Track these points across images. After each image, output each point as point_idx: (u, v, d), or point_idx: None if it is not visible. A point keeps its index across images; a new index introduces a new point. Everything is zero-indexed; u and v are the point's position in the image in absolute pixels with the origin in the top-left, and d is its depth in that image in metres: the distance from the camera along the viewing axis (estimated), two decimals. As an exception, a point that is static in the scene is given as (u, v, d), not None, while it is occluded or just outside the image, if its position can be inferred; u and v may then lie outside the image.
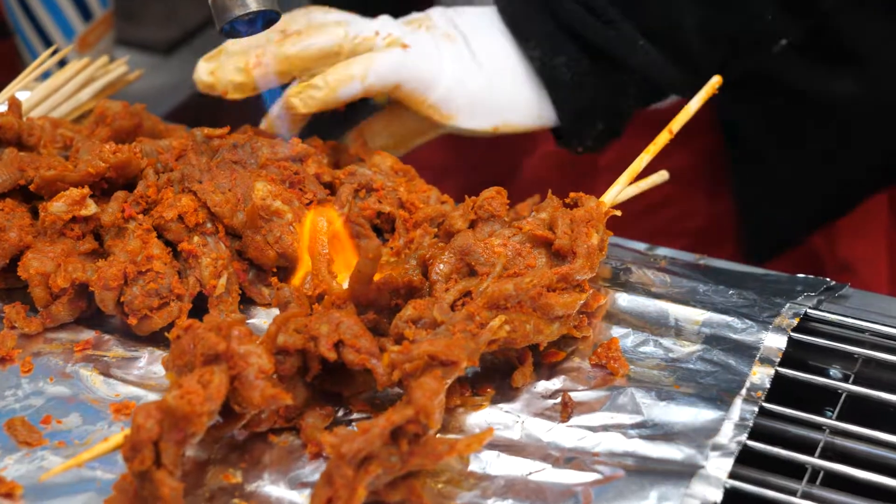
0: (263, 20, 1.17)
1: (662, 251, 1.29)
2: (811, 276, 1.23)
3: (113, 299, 1.13)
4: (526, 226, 1.13)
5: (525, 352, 1.09)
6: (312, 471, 1.01)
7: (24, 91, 1.44)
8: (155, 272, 1.13)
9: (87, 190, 1.18)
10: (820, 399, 1.12)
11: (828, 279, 1.23)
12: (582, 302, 1.10)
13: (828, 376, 1.14)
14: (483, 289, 1.08)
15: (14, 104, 1.33)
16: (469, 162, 1.82)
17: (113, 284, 1.12)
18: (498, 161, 1.80)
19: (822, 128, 1.65)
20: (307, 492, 0.98)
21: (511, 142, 1.72)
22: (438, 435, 1.03)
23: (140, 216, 1.18)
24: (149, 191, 1.20)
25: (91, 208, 1.17)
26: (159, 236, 1.17)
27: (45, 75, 1.49)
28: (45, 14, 1.88)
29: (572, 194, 1.18)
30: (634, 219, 1.68)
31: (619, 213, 1.19)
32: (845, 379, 1.13)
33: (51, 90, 1.44)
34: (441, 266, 1.10)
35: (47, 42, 1.90)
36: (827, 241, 1.74)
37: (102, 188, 1.22)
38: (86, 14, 1.91)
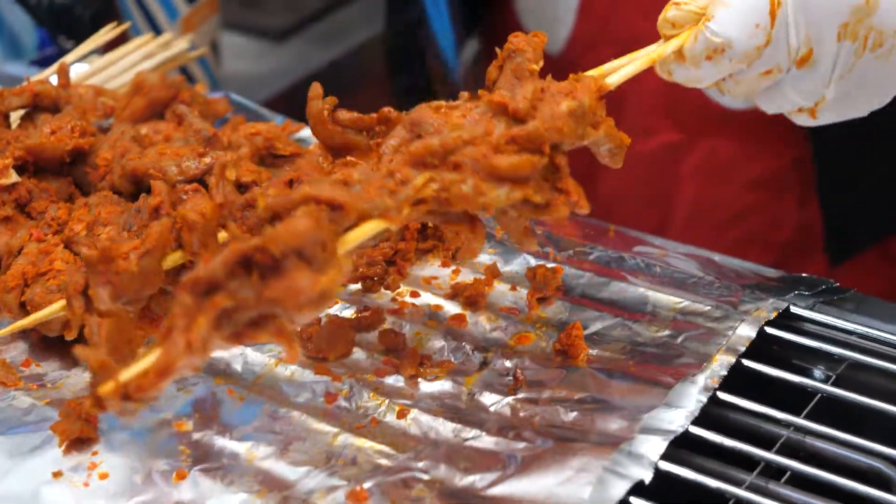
0: None
1: (672, 245, 1.36)
2: (814, 276, 1.29)
3: (16, 300, 1.22)
4: (490, 95, 1.09)
5: (477, 223, 1.09)
6: (259, 426, 1.13)
7: (84, 64, 1.61)
8: (56, 270, 1.23)
9: (10, 160, 1.32)
10: (798, 400, 1.18)
11: (830, 280, 1.29)
12: (541, 166, 1.06)
13: (811, 376, 1.20)
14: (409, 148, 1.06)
15: (62, 71, 1.49)
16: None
17: (12, 284, 1.22)
18: (574, 167, 1.85)
19: None
20: (250, 443, 1.11)
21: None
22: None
23: (50, 236, 1.29)
24: (59, 212, 1.31)
25: (12, 178, 1.31)
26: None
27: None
28: (149, -8, 2.06)
29: (572, 76, 1.11)
30: (718, 228, 1.75)
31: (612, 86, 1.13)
32: (826, 380, 1.19)
33: (108, 63, 1.60)
34: (392, 141, 1.08)
35: (151, 22, 2.08)
36: None
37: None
38: (189, -5, 2.08)
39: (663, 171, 1.76)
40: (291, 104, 1.93)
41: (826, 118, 1.18)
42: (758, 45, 1.10)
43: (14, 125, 1.45)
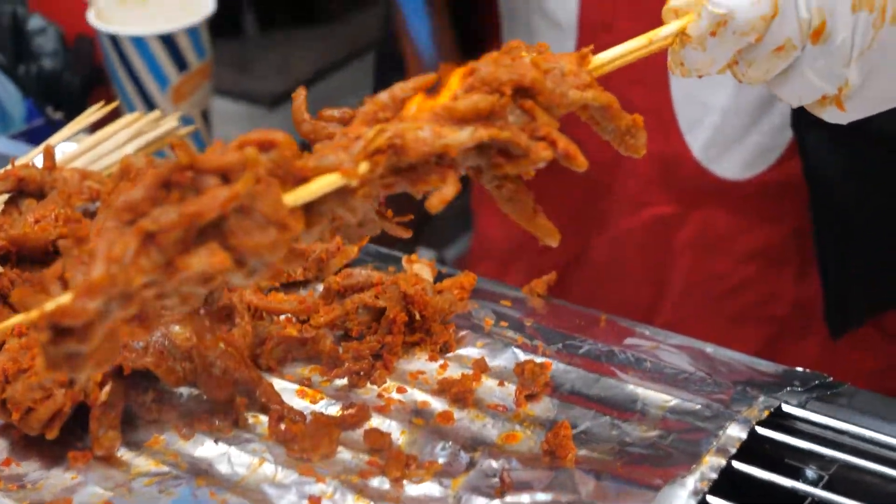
0: None
1: (663, 335, 1.36)
2: (808, 371, 1.29)
3: None
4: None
5: (448, 171, 1.02)
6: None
7: (72, 143, 1.61)
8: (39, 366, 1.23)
9: None
10: (790, 502, 1.18)
11: (824, 374, 1.29)
12: (503, 105, 1.01)
13: (803, 476, 1.20)
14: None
15: (48, 154, 1.49)
16: (537, 244, 1.85)
17: None
18: (566, 243, 1.83)
19: None
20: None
21: (580, 218, 1.80)
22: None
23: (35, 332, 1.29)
24: None
25: None
26: None
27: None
28: (139, 62, 2.06)
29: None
30: (713, 303, 1.75)
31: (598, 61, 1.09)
32: (818, 481, 1.19)
33: (96, 142, 1.61)
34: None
35: (141, 90, 2.09)
36: None
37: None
38: (181, 65, 2.09)
39: (656, 244, 1.76)
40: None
41: (856, 110, 1.12)
42: (763, 15, 1.07)
43: (-2, 209, 1.45)
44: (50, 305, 0.90)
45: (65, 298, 0.90)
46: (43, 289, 1.00)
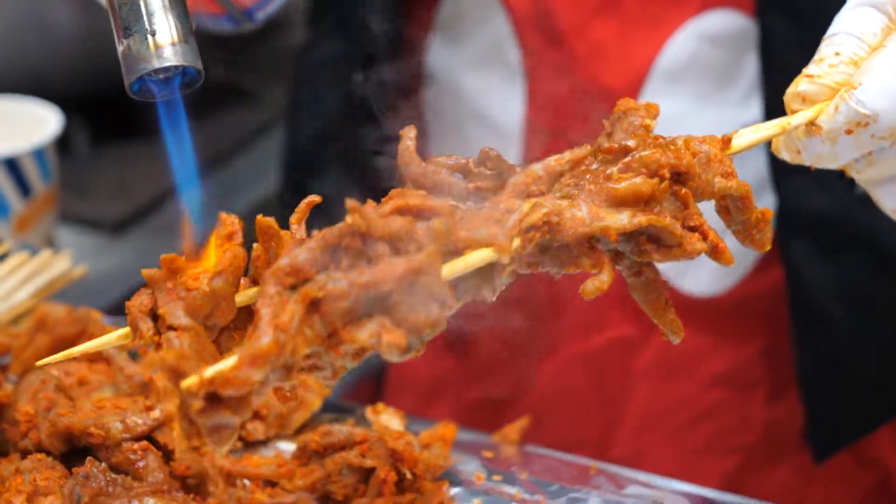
0: (182, 80, 1.13)
1: (668, 483, 1.34)
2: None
3: None
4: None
5: (601, 257, 1.01)
6: None
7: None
8: None
9: None
10: None
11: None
12: (663, 191, 1.01)
13: None
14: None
15: (-61, 306, 1.40)
16: (466, 373, 1.79)
17: None
18: (505, 368, 1.77)
19: None
20: None
21: (524, 343, 1.74)
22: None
23: None
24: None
25: None
26: None
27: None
28: (-24, 189, 1.96)
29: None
30: (674, 434, 1.71)
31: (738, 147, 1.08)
32: None
33: (-15, 288, 1.52)
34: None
35: (-24, 220, 1.99)
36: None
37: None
38: (25, 190, 1.99)
39: (611, 371, 1.70)
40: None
41: None
42: None
43: None
44: (209, 373, 0.88)
45: (225, 365, 0.88)
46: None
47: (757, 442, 1.70)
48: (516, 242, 0.96)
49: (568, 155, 1.02)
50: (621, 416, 1.70)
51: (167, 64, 1.10)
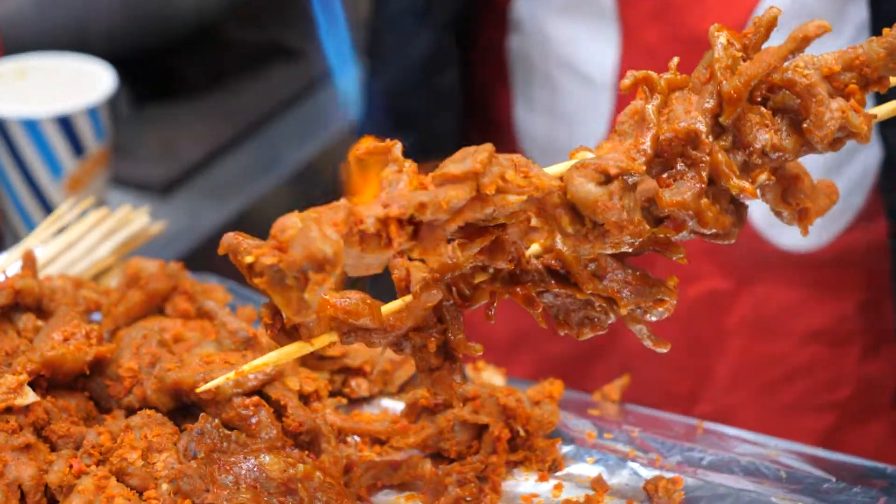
0: None
1: (775, 442, 1.34)
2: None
3: None
4: None
5: None
6: None
7: (39, 245, 1.52)
8: None
9: (24, 377, 1.22)
10: None
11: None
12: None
13: None
14: None
15: (29, 260, 1.39)
16: (542, 332, 1.80)
17: None
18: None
19: None
20: None
21: None
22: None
23: (94, 467, 1.19)
24: (101, 438, 1.21)
25: (28, 397, 1.21)
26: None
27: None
28: (29, 147, 1.95)
29: None
30: (765, 392, 1.70)
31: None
32: None
33: (66, 245, 1.51)
34: None
35: (31, 181, 1.98)
36: None
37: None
38: (78, 149, 1.98)
39: (704, 324, 1.70)
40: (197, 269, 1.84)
41: None
42: None
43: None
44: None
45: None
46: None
47: (850, 398, 1.71)
48: None
49: None
50: (710, 373, 1.70)
51: None
